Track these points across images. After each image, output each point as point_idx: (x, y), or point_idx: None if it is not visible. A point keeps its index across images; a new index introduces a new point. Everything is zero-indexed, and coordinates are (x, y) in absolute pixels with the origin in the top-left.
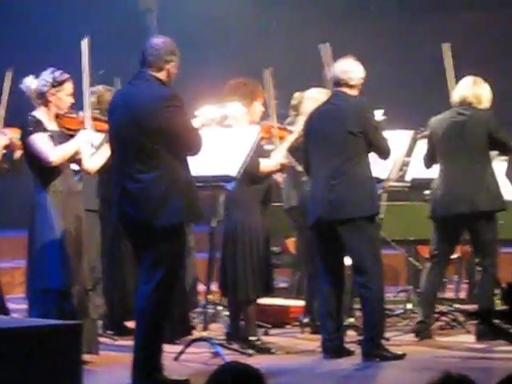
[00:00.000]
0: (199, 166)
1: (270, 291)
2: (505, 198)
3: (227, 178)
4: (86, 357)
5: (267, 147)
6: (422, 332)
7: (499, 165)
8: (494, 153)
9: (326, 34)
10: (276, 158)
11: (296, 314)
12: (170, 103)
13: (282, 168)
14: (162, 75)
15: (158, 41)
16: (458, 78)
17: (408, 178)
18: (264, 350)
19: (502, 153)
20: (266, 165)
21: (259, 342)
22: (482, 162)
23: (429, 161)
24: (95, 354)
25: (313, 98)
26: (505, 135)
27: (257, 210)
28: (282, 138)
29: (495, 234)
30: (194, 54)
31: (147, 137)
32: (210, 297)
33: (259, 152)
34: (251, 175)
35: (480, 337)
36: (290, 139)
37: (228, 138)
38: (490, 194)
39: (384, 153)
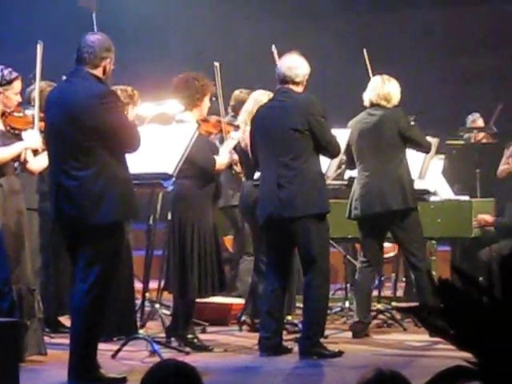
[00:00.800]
0: (137, 163)
1: (224, 289)
2: (442, 196)
3: (164, 176)
4: (35, 357)
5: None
6: (360, 332)
7: (436, 163)
8: (431, 152)
9: (271, 31)
10: (224, 154)
11: (238, 311)
12: (105, 100)
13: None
14: (98, 72)
15: (93, 38)
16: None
17: (346, 176)
18: (201, 347)
19: (418, 151)
20: (219, 162)
21: (196, 340)
22: (395, 161)
23: (349, 163)
24: (44, 355)
25: (255, 100)
26: (416, 133)
27: (208, 209)
28: (227, 134)
29: (416, 230)
30: (132, 52)
31: (83, 134)
32: (147, 295)
33: (212, 149)
34: (207, 173)
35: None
36: (237, 136)
37: (165, 135)
38: (404, 193)
39: (332, 152)
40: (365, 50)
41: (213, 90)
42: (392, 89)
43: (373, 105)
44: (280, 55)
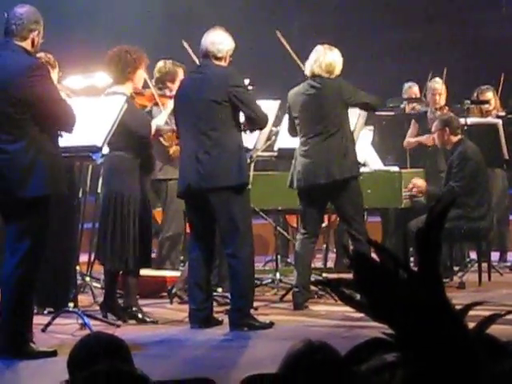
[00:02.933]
0: (65, 136)
1: (148, 264)
2: (371, 167)
3: (93, 148)
4: None
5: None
6: (301, 303)
7: (365, 134)
8: (360, 123)
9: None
10: (160, 119)
11: (172, 284)
12: (34, 73)
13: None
14: (26, 44)
15: (21, 10)
16: None
17: (276, 147)
18: (144, 320)
19: (368, 111)
20: (156, 126)
21: (140, 313)
22: (338, 132)
23: (291, 132)
24: None
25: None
26: (360, 95)
27: (143, 180)
28: (163, 105)
29: (358, 201)
30: (60, 25)
31: (13, 106)
32: (77, 268)
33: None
34: (145, 141)
35: (297, 307)
36: (171, 105)
37: (94, 107)
38: (348, 162)
39: (259, 122)
40: (278, 32)
41: (147, 62)
42: (334, 58)
43: (314, 76)
44: None
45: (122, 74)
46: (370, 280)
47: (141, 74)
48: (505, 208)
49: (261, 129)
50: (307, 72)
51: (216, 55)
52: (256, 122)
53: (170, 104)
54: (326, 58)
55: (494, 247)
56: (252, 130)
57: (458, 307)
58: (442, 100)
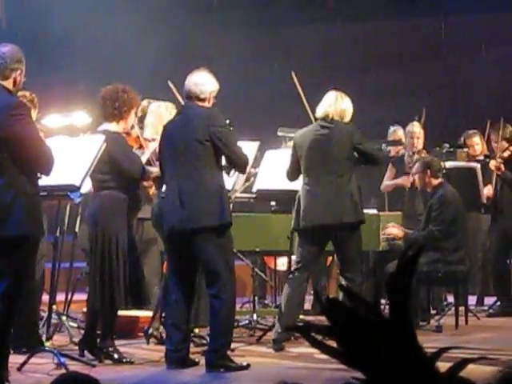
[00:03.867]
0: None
1: (144, 303)
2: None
3: (71, 188)
4: None
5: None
6: (281, 343)
7: None
8: None
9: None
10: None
11: (145, 324)
12: (15, 112)
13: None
14: (8, 83)
15: (4, 49)
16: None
17: (254, 189)
18: (120, 360)
19: (371, 164)
20: (149, 170)
21: (116, 353)
22: (345, 175)
23: (292, 174)
24: None
25: (154, 113)
26: (369, 147)
27: (126, 219)
28: (145, 147)
29: (359, 245)
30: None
31: None
32: (54, 307)
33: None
34: (134, 180)
35: (275, 345)
36: (152, 147)
37: (73, 146)
38: (354, 206)
39: (239, 163)
40: (293, 73)
41: (139, 103)
42: (347, 106)
43: (326, 118)
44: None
45: (118, 112)
46: (341, 326)
47: (133, 115)
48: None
49: (241, 171)
50: (319, 114)
51: (199, 96)
52: (236, 163)
53: (151, 146)
54: (341, 104)
55: (476, 291)
56: (233, 171)
57: (433, 350)
58: (419, 144)
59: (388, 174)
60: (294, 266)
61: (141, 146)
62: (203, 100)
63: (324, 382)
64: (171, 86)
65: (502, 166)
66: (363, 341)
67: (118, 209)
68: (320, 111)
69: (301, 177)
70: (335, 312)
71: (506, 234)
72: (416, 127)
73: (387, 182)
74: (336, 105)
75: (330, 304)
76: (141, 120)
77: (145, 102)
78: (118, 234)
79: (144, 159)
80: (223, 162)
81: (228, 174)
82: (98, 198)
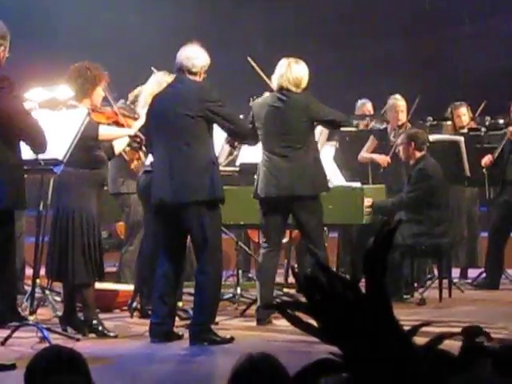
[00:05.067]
0: (27, 148)
1: (102, 276)
2: (333, 182)
3: (55, 162)
4: None
5: None
6: (264, 319)
7: (327, 150)
8: (322, 139)
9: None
10: (119, 147)
11: (125, 298)
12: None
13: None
14: None
15: None
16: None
17: (238, 162)
18: (104, 334)
19: (336, 128)
20: (110, 132)
21: (100, 327)
22: (302, 147)
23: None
24: None
25: (157, 81)
26: (326, 112)
27: (90, 195)
28: (128, 126)
29: (320, 217)
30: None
31: None
32: (37, 281)
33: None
34: (93, 143)
35: (260, 322)
36: (137, 126)
37: (56, 120)
38: (309, 179)
39: (239, 133)
40: (249, 58)
41: (107, 80)
42: (301, 72)
43: (282, 88)
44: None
45: (80, 89)
46: (318, 302)
47: (99, 92)
48: (475, 225)
49: (244, 139)
50: (274, 85)
51: (190, 70)
52: (238, 133)
53: (136, 124)
54: (292, 72)
55: (463, 263)
56: (237, 143)
57: (416, 323)
58: (403, 117)
59: (368, 145)
60: (261, 238)
61: (115, 123)
62: (195, 74)
63: (304, 355)
64: (155, 71)
65: None
66: (340, 317)
67: (76, 185)
68: (274, 82)
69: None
70: (312, 289)
71: (509, 206)
72: (399, 100)
73: (365, 154)
74: (288, 73)
75: (308, 281)
76: (132, 101)
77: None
78: (78, 209)
79: (127, 138)
80: (225, 135)
81: (234, 147)
82: (59, 175)
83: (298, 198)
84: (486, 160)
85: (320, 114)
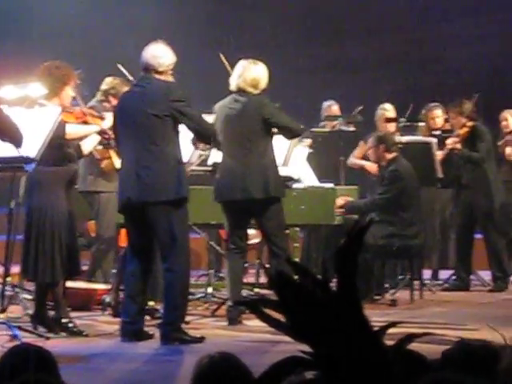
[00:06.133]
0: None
1: (77, 274)
2: (306, 183)
3: (27, 160)
4: None
5: None
6: (235, 318)
7: (301, 150)
8: (294, 140)
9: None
10: (88, 146)
11: (102, 296)
12: None
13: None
14: None
15: None
16: None
17: (210, 162)
18: (75, 332)
19: (288, 138)
20: (78, 130)
21: (71, 325)
22: (259, 150)
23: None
24: None
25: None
26: (283, 119)
27: (61, 192)
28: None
29: (278, 219)
30: None
31: None
32: (8, 279)
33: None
34: (61, 142)
35: (231, 322)
36: (105, 126)
37: (28, 118)
38: (266, 182)
39: (203, 134)
40: (221, 55)
41: (76, 80)
42: (258, 73)
43: (239, 90)
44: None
45: (50, 88)
46: (289, 299)
47: (68, 91)
48: (448, 226)
49: (208, 142)
50: (232, 87)
51: (157, 69)
52: (202, 134)
53: (104, 124)
54: (250, 73)
55: (434, 265)
56: (201, 143)
57: (390, 322)
58: (392, 127)
59: (358, 151)
60: (228, 241)
61: (85, 122)
62: (161, 73)
63: (274, 355)
64: (121, 68)
65: (459, 145)
66: (311, 315)
67: (48, 183)
68: (232, 84)
69: None
70: (283, 286)
71: (471, 208)
72: (388, 111)
73: (355, 161)
74: (245, 75)
75: (279, 278)
76: (104, 93)
77: (110, 78)
78: (51, 207)
79: (96, 138)
80: (191, 136)
81: (197, 147)
82: (29, 174)
83: (255, 202)
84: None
85: (273, 119)
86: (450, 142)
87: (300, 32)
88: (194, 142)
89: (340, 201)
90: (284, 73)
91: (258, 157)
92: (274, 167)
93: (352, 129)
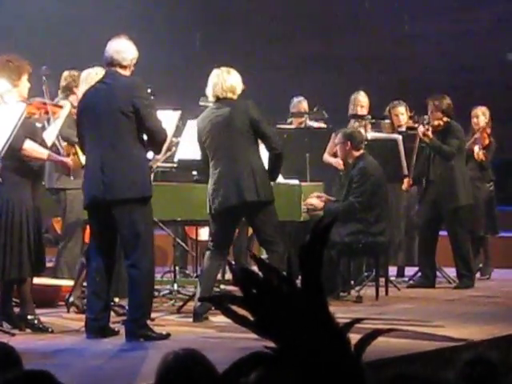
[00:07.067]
0: None
1: (41, 270)
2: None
3: None
4: None
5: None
6: (201, 314)
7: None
8: None
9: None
10: (51, 134)
11: (67, 293)
12: None
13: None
14: None
15: None
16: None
17: (176, 158)
18: (41, 329)
19: (266, 145)
20: (34, 149)
21: (37, 321)
22: (248, 153)
23: (205, 163)
24: None
25: (85, 80)
26: (267, 127)
27: (27, 188)
28: (54, 115)
29: (273, 221)
30: None
31: None
32: None
33: (30, 131)
34: (13, 152)
35: (196, 318)
36: (63, 115)
37: None
38: (256, 185)
39: (156, 136)
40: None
41: (29, 70)
42: (234, 80)
43: (219, 99)
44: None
45: (7, 82)
46: (254, 296)
47: (25, 82)
48: (413, 223)
49: (156, 147)
50: (210, 97)
51: (121, 63)
52: (155, 136)
53: (63, 113)
54: (226, 82)
55: (400, 262)
56: (152, 146)
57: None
58: (363, 112)
59: (330, 145)
60: (209, 244)
61: (46, 113)
62: (125, 67)
63: (239, 351)
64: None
65: (430, 133)
66: (275, 311)
67: (14, 179)
68: (210, 94)
69: None
70: (248, 282)
71: (436, 205)
72: (361, 96)
73: (329, 159)
74: (221, 83)
75: (243, 275)
76: (66, 88)
77: (66, 72)
78: (18, 204)
79: (56, 127)
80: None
81: (147, 150)
82: None
83: (249, 205)
84: (406, 185)
85: (261, 125)
86: (421, 129)
87: (269, 28)
88: (145, 145)
89: (316, 201)
90: (255, 69)
91: (247, 161)
92: (261, 171)
93: (323, 125)
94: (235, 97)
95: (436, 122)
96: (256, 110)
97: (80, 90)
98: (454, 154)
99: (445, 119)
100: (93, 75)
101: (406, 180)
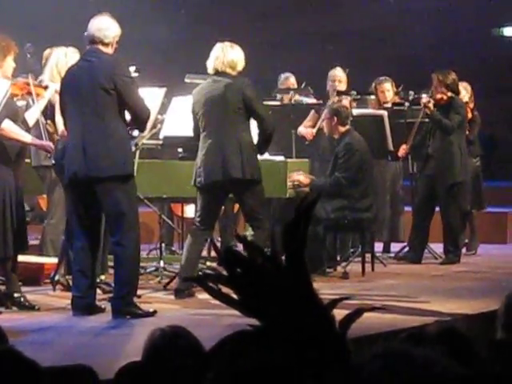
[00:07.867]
0: None
1: (25, 248)
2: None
3: None
4: None
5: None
6: (183, 292)
7: (251, 123)
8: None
9: None
10: (34, 114)
11: (51, 271)
12: None
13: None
14: None
15: None
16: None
17: (161, 135)
18: (27, 307)
19: (260, 126)
20: (12, 130)
21: (23, 299)
22: (238, 130)
23: (197, 135)
24: None
25: (56, 56)
26: (261, 107)
27: (8, 168)
28: (38, 96)
29: (260, 196)
30: None
31: None
32: None
33: (11, 110)
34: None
35: (177, 295)
36: (47, 96)
37: None
38: (246, 162)
39: (138, 114)
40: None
41: (16, 51)
42: (236, 55)
43: (217, 72)
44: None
45: None
46: (238, 275)
47: (10, 62)
48: (399, 199)
49: (141, 122)
50: (210, 70)
51: (103, 41)
52: (138, 115)
53: (47, 94)
54: (227, 56)
55: (385, 237)
56: (135, 123)
57: (340, 297)
58: (341, 87)
59: (308, 120)
60: (195, 219)
61: (29, 93)
62: (107, 45)
63: (225, 328)
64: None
65: (431, 105)
66: (260, 289)
67: None
68: (210, 67)
69: None
70: (232, 261)
71: (433, 181)
72: (338, 71)
73: (301, 130)
74: (223, 57)
75: (228, 253)
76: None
77: (48, 50)
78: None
79: (39, 108)
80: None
81: (131, 129)
82: None
83: (234, 182)
84: (402, 151)
85: (254, 103)
86: (424, 100)
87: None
88: (128, 124)
89: (301, 177)
90: (242, 46)
91: (236, 138)
92: (250, 149)
93: (311, 101)
94: (234, 73)
95: (439, 96)
96: (251, 88)
97: (49, 64)
98: (453, 129)
99: (449, 94)
100: (60, 54)
101: (402, 147)
